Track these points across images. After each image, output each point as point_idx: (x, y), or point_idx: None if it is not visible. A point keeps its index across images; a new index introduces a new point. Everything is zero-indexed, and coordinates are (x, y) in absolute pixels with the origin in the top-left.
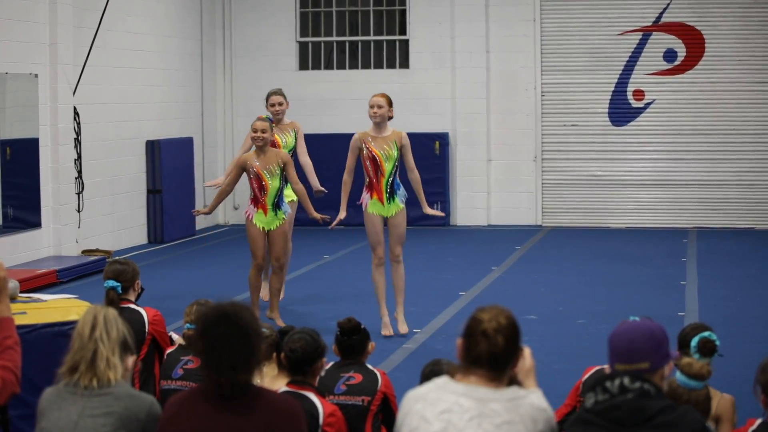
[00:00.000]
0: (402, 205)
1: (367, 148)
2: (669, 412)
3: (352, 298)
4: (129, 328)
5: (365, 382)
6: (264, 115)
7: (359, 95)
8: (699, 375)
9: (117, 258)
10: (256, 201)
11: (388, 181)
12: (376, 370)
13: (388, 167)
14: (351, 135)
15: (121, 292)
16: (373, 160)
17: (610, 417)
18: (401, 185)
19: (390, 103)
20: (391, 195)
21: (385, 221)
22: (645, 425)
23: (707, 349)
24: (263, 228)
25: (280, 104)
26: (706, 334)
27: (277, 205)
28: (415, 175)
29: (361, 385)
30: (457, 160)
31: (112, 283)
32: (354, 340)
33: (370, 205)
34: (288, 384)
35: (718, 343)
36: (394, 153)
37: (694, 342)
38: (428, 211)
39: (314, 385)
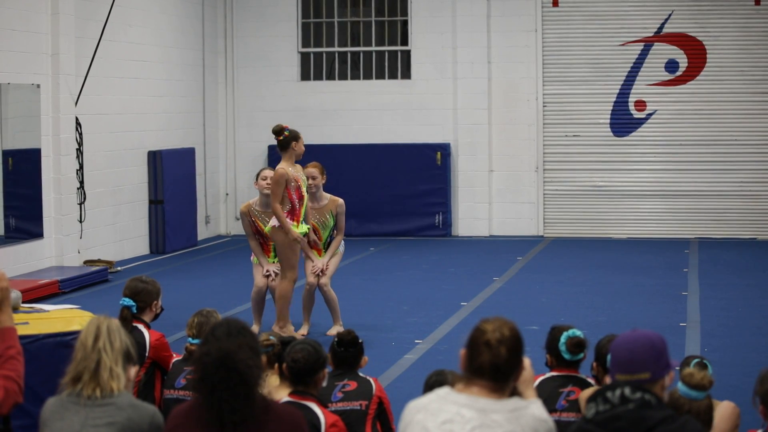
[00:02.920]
0: (339, 252)
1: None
2: (670, 422)
3: (354, 311)
4: (132, 338)
5: (360, 387)
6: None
7: (361, 106)
8: (700, 385)
9: (141, 276)
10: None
11: (325, 241)
12: (368, 377)
13: (325, 234)
14: (353, 146)
15: (136, 311)
16: (312, 230)
17: (611, 427)
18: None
19: (323, 172)
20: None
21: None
22: None
23: None
24: None
25: (264, 178)
26: None
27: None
28: (338, 238)
29: (357, 390)
30: (458, 170)
31: (127, 301)
32: (351, 353)
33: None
34: (290, 394)
35: None
36: (330, 221)
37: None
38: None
39: (316, 396)
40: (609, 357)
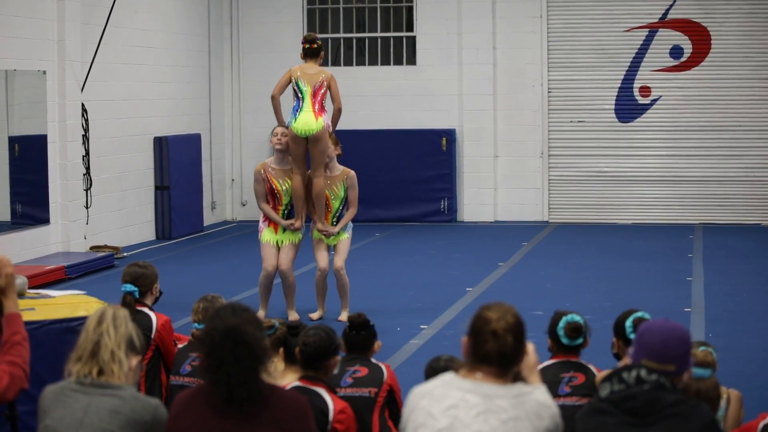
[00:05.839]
0: (347, 235)
1: None
2: (681, 404)
3: (360, 296)
4: (138, 330)
5: (371, 374)
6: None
7: (367, 92)
8: (704, 362)
9: (137, 261)
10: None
11: (334, 215)
12: (381, 364)
13: (335, 204)
14: (359, 131)
15: (138, 296)
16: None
17: (624, 407)
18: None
19: (336, 143)
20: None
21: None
22: (657, 416)
23: None
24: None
25: (285, 135)
26: (639, 314)
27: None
28: (350, 211)
29: (367, 377)
30: (463, 156)
31: (129, 287)
32: (362, 336)
33: (315, 233)
34: (300, 379)
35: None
36: (341, 193)
37: (628, 322)
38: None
39: (326, 382)
40: (635, 338)
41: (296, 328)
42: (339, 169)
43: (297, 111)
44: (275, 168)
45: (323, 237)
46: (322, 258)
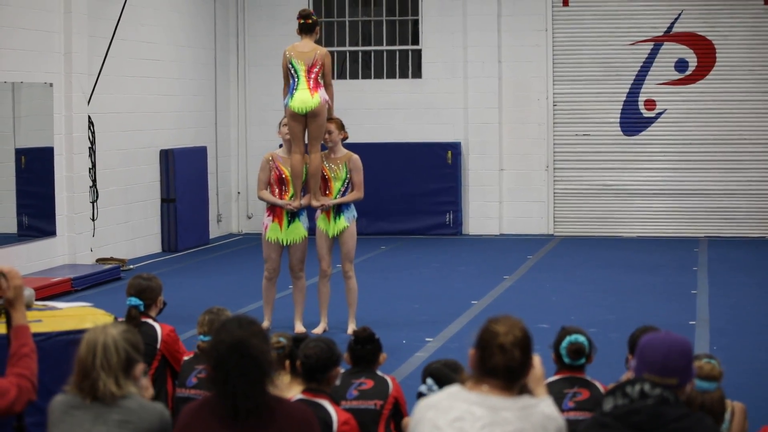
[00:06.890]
0: (348, 224)
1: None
2: (685, 419)
3: (365, 309)
4: (136, 336)
5: (377, 387)
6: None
7: (372, 105)
8: (710, 376)
9: (141, 273)
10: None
11: (335, 197)
12: (386, 376)
13: (336, 186)
14: (364, 144)
15: (143, 309)
16: (324, 179)
17: (628, 421)
18: (351, 205)
19: (341, 127)
20: (338, 213)
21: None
22: (661, 430)
23: None
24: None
25: (285, 125)
26: None
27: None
28: (353, 193)
29: (373, 389)
30: (469, 169)
31: (134, 301)
32: (367, 350)
33: (319, 220)
34: (303, 392)
35: None
36: (342, 174)
37: None
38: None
39: (329, 393)
40: (637, 352)
41: (301, 341)
42: (343, 152)
43: (293, 90)
44: (284, 157)
45: (325, 224)
46: (324, 258)
